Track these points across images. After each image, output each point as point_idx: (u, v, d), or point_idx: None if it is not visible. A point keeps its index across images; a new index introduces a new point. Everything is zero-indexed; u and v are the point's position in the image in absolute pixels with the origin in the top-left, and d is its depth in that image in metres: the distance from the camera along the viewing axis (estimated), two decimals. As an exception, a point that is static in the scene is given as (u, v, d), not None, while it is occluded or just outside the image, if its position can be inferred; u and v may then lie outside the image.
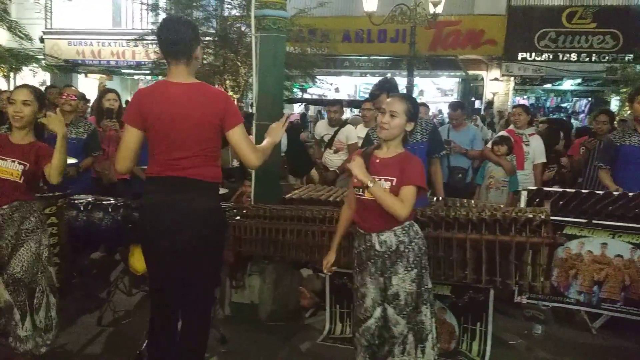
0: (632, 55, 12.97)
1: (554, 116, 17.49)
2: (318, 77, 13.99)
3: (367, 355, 2.72)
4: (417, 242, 2.63)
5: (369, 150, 2.75)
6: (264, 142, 2.80)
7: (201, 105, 2.50)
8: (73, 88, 4.80)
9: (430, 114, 9.35)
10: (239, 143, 2.55)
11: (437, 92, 28.50)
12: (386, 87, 3.75)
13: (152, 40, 10.72)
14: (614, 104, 14.18)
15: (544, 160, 5.33)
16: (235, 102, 13.96)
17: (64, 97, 4.57)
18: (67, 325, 3.76)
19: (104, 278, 4.63)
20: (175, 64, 2.52)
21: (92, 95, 12.05)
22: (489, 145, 5.24)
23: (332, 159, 5.85)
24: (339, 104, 6.32)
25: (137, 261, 3.56)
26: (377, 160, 2.66)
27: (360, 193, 2.63)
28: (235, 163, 6.24)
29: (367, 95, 8.94)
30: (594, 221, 3.72)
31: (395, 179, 2.56)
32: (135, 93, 2.70)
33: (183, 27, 2.52)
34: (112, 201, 3.71)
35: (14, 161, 2.94)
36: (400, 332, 2.62)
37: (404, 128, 2.63)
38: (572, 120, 15.99)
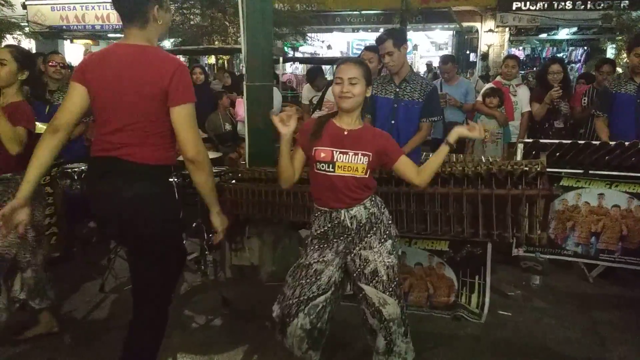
0: (627, 2, 12.77)
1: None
2: (309, 34, 13.76)
3: (307, 340, 2.45)
4: (384, 211, 2.49)
5: (323, 118, 2.47)
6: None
7: (141, 71, 2.11)
8: (60, 55, 4.71)
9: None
10: (178, 126, 2.11)
11: (431, 46, 28.17)
12: (393, 34, 3.53)
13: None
14: (610, 52, 14.04)
15: (530, 108, 5.21)
16: (225, 64, 13.78)
17: (53, 64, 4.50)
18: (70, 293, 3.81)
19: (104, 245, 4.65)
20: (127, 26, 2.18)
21: (78, 61, 11.82)
22: (480, 98, 5.21)
23: None
24: (319, 74, 6.31)
25: (135, 228, 3.55)
26: (345, 133, 2.39)
27: (329, 169, 2.35)
28: (228, 127, 6.21)
29: (359, 52, 8.86)
30: (590, 172, 3.72)
31: (371, 154, 2.34)
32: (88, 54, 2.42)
33: None
34: (106, 169, 3.68)
35: None
36: (392, 313, 2.36)
37: (365, 95, 2.39)
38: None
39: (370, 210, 2.43)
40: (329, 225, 2.43)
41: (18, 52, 3.02)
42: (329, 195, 2.40)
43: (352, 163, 2.35)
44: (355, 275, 2.45)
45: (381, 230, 2.44)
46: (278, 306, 2.52)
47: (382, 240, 2.44)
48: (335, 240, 2.45)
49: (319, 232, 2.47)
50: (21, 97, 3.01)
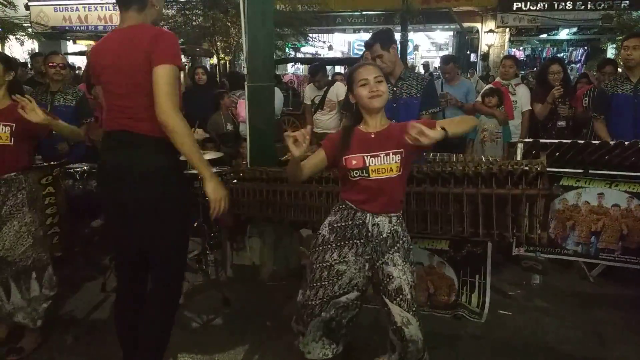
0: (627, 2, 12.76)
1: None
2: (310, 35, 13.78)
3: (321, 329, 2.51)
4: (407, 234, 2.48)
5: (348, 127, 2.48)
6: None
7: (130, 46, 2.21)
8: (60, 56, 4.68)
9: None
10: (154, 86, 2.14)
11: (431, 46, 28.21)
12: (379, 37, 3.52)
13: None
14: (610, 52, 14.05)
15: (530, 107, 5.19)
16: (227, 64, 13.80)
17: (53, 65, 4.49)
18: (72, 293, 3.82)
19: (105, 245, 4.66)
20: (125, 11, 2.29)
21: (80, 62, 11.85)
22: (479, 98, 5.23)
23: (323, 120, 5.84)
24: (321, 70, 6.28)
25: (137, 228, 3.57)
26: (372, 136, 2.38)
27: (364, 175, 2.33)
28: (230, 127, 6.22)
29: (361, 52, 8.90)
30: (590, 171, 3.73)
31: (402, 150, 2.32)
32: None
33: None
34: (108, 169, 3.70)
35: None
36: (413, 335, 2.31)
37: (388, 92, 2.42)
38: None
39: (395, 227, 2.41)
40: (350, 223, 2.42)
41: (2, 54, 3.06)
42: (367, 197, 2.37)
43: (385, 164, 2.33)
44: (380, 287, 2.42)
45: (404, 248, 2.42)
46: (302, 292, 2.55)
47: (406, 259, 2.41)
48: (354, 241, 2.42)
49: (338, 225, 2.44)
50: (9, 99, 2.98)
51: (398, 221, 2.43)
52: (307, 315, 2.49)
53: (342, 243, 2.43)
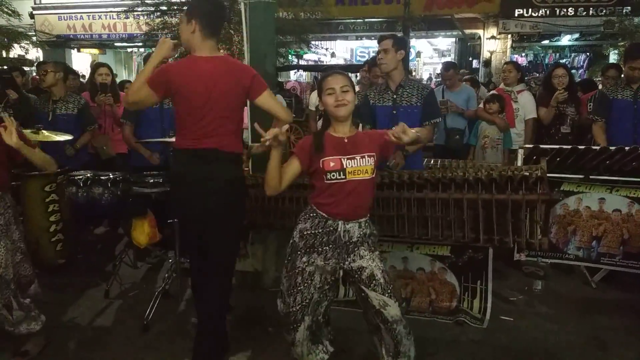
0: (629, 8, 12.77)
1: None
2: (313, 42, 13.79)
3: (308, 338, 2.59)
4: (374, 232, 2.57)
5: (319, 132, 2.54)
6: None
7: (228, 78, 2.65)
8: (50, 63, 4.70)
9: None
10: (269, 107, 2.78)
11: (434, 53, 28.22)
12: (395, 37, 3.63)
13: (142, 11, 10.55)
14: (612, 57, 14.03)
15: (535, 115, 5.12)
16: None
17: (40, 73, 4.55)
18: (75, 300, 3.83)
19: (109, 252, 4.69)
20: (211, 39, 2.68)
21: (85, 70, 11.92)
22: (481, 104, 5.23)
23: None
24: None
25: (140, 234, 3.60)
26: (346, 140, 2.46)
27: (340, 177, 2.41)
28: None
29: (363, 60, 8.90)
30: (591, 177, 3.74)
31: (374, 154, 2.46)
32: (165, 67, 2.75)
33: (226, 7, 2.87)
34: (111, 176, 3.73)
35: None
36: (394, 315, 2.41)
37: (355, 102, 2.49)
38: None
39: (364, 231, 2.51)
40: (320, 231, 2.48)
41: None
42: (337, 201, 2.44)
43: (361, 166, 2.43)
44: (353, 280, 2.52)
45: (369, 242, 2.51)
46: (281, 302, 2.60)
47: (372, 250, 2.51)
48: (322, 247, 2.48)
49: (308, 232, 2.49)
50: None
51: (367, 224, 2.53)
52: (291, 322, 2.54)
53: (311, 250, 2.49)
